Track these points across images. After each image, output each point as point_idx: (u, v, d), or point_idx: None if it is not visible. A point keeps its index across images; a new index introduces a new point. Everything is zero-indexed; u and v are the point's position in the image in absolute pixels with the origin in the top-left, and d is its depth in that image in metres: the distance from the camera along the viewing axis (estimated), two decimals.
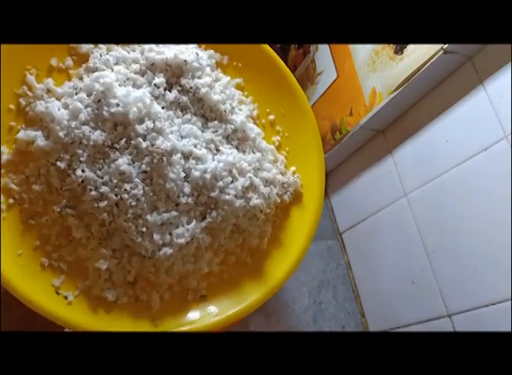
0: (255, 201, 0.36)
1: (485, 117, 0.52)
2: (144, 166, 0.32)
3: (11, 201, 0.31)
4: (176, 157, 0.34)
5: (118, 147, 0.32)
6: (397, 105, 0.61)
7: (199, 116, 0.39)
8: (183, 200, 0.34)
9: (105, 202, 0.30)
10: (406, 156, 0.64)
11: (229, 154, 0.37)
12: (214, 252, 0.35)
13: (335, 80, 0.69)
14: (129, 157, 0.32)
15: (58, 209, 0.31)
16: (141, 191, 0.32)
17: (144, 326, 0.32)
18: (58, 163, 0.31)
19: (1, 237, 0.29)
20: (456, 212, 0.56)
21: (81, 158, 0.31)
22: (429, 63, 0.53)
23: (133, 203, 0.31)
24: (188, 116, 0.38)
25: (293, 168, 0.41)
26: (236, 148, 0.39)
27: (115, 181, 0.31)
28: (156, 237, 0.32)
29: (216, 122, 0.39)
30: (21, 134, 0.32)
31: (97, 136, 0.32)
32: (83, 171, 0.31)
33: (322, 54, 0.72)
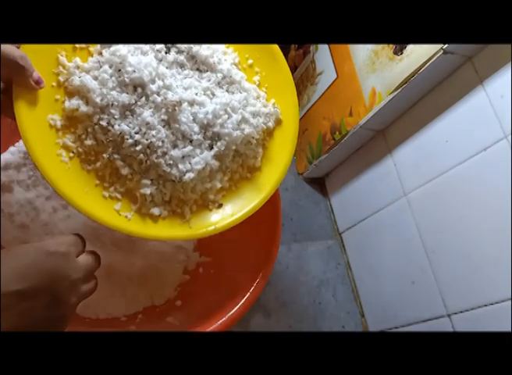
0: (248, 130, 0.47)
1: (485, 117, 0.52)
2: (162, 115, 0.43)
3: (71, 155, 0.41)
4: (184, 105, 0.44)
5: (140, 104, 0.42)
6: (397, 105, 0.61)
7: (195, 70, 0.48)
8: (195, 137, 0.44)
9: (140, 146, 0.41)
10: (405, 156, 0.64)
11: (222, 97, 0.47)
12: (223, 173, 0.47)
13: (335, 80, 0.69)
14: (150, 110, 0.42)
15: (107, 156, 0.42)
16: (164, 135, 0.42)
17: (182, 230, 0.43)
18: (100, 122, 0.41)
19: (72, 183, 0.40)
20: (456, 212, 0.56)
21: (115, 116, 0.42)
22: (429, 63, 0.53)
23: (160, 144, 0.42)
24: (186, 71, 0.47)
25: (272, 100, 0.51)
26: (227, 91, 0.48)
27: (144, 130, 0.42)
28: (181, 166, 0.43)
29: (209, 72, 0.48)
30: (67, 104, 0.41)
31: (124, 97, 0.42)
32: (119, 125, 0.41)
33: (322, 54, 0.72)
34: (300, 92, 0.79)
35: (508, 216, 0.49)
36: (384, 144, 0.68)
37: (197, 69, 0.48)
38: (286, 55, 0.82)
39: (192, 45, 0.48)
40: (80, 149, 0.41)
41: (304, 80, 0.78)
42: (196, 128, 0.44)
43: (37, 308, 0.30)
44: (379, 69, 0.60)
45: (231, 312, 0.46)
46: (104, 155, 0.42)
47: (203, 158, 0.44)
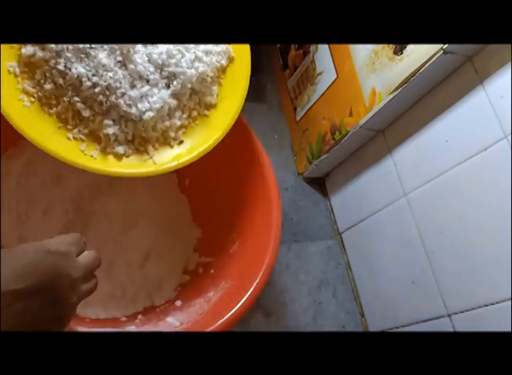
0: (202, 68, 0.48)
1: (485, 117, 0.52)
2: (117, 57, 0.44)
3: (32, 99, 0.42)
4: (138, 47, 0.45)
5: (94, 46, 0.43)
6: (397, 105, 0.61)
7: None
8: (151, 77, 0.46)
9: (98, 88, 0.43)
10: (405, 156, 0.64)
11: None
12: (181, 110, 0.49)
13: (334, 81, 0.69)
14: (105, 52, 0.43)
15: (68, 99, 0.43)
16: (121, 76, 0.43)
17: (147, 166, 0.45)
18: (57, 66, 0.42)
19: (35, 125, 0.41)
20: (456, 212, 0.56)
21: (72, 60, 0.42)
22: (429, 63, 0.53)
23: (118, 85, 0.43)
24: None
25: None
26: None
27: (101, 72, 0.43)
28: (140, 105, 0.44)
29: None
30: (23, 51, 0.42)
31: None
32: (76, 69, 0.42)
33: (322, 54, 0.72)
34: (300, 92, 0.79)
35: (508, 216, 0.49)
36: (384, 144, 0.68)
37: None
38: (286, 55, 0.82)
39: None
40: (41, 94, 0.43)
41: (304, 80, 0.78)
42: (151, 68, 0.45)
43: (36, 308, 0.29)
44: (379, 69, 0.60)
45: (231, 312, 0.46)
46: (65, 99, 0.43)
47: (160, 97, 0.46)
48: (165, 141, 0.47)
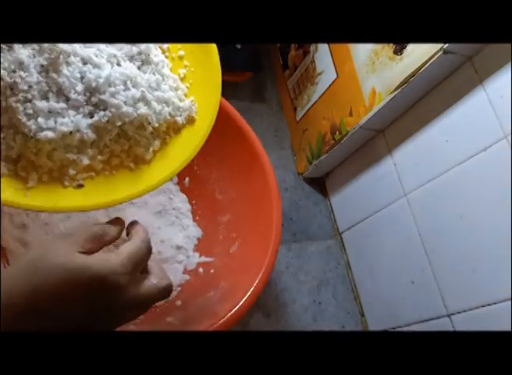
0: (143, 111, 0.40)
1: (485, 117, 0.52)
2: (42, 60, 0.36)
3: None
4: (75, 59, 0.38)
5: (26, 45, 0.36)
6: (397, 105, 0.61)
7: None
8: (74, 96, 0.37)
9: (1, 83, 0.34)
10: (405, 156, 0.64)
11: (128, 69, 0.40)
12: (99, 151, 0.39)
13: (334, 81, 0.69)
14: (31, 51, 0.36)
15: None
16: (35, 80, 0.36)
17: (13, 196, 0.34)
18: None
19: None
20: (455, 212, 0.56)
21: None
22: (429, 63, 0.53)
23: (25, 88, 0.35)
24: None
25: (192, 97, 0.46)
26: (138, 68, 0.43)
27: (13, 67, 0.35)
28: (40, 120, 0.36)
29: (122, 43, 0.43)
30: None
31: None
32: None
33: (322, 54, 0.72)
34: (300, 92, 0.79)
35: (508, 216, 0.49)
36: (384, 144, 0.68)
37: None
38: (286, 55, 0.82)
39: None
40: None
41: (303, 80, 0.78)
42: (79, 87, 0.37)
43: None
44: (379, 69, 0.60)
45: (231, 312, 0.46)
46: None
47: (74, 121, 0.37)
48: (60, 176, 0.37)
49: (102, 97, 0.38)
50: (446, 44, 0.51)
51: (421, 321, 0.61)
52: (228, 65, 0.74)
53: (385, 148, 0.68)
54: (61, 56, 0.37)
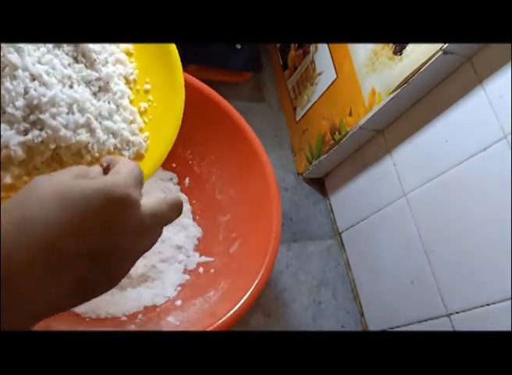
0: (82, 137, 0.37)
1: (484, 117, 0.52)
2: None
3: None
4: (22, 74, 0.35)
5: None
6: (396, 105, 0.61)
7: (69, 56, 0.40)
8: (10, 110, 0.35)
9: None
10: (405, 156, 0.64)
11: (79, 92, 0.38)
12: (27, 171, 0.36)
13: (334, 81, 0.70)
14: None
15: None
16: None
17: None
18: None
19: None
20: (455, 211, 0.56)
21: None
22: (428, 64, 0.53)
23: None
24: (58, 51, 0.39)
25: (146, 133, 0.44)
26: (94, 94, 0.40)
27: None
28: None
29: (83, 66, 0.40)
30: None
31: None
32: None
33: (322, 54, 0.72)
34: (299, 92, 0.79)
35: (508, 216, 0.49)
36: (383, 144, 0.68)
37: (74, 58, 0.41)
38: (286, 55, 0.82)
39: None
40: None
41: (303, 80, 0.78)
42: (20, 103, 0.35)
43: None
44: (379, 70, 0.60)
45: (231, 312, 0.46)
46: None
47: (5, 136, 0.35)
48: None
49: (41, 116, 0.36)
50: (446, 45, 0.51)
51: (420, 321, 0.61)
52: (228, 65, 0.74)
53: (385, 148, 0.68)
54: (7, 68, 0.35)
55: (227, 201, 0.62)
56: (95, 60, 0.41)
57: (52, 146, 0.36)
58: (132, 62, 0.46)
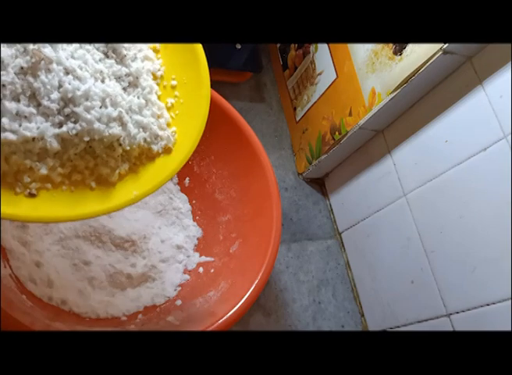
0: (115, 130, 0.38)
1: (485, 117, 0.52)
2: (23, 62, 0.35)
3: None
4: (57, 68, 0.36)
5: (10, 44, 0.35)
6: (396, 105, 0.61)
7: (100, 51, 0.41)
8: (46, 103, 0.36)
9: None
10: (405, 156, 0.64)
11: (111, 87, 0.39)
12: (61, 163, 0.37)
13: (334, 81, 0.70)
14: (13, 51, 0.35)
15: None
16: (9, 80, 0.34)
17: None
18: None
19: None
20: (455, 212, 0.56)
21: None
22: (428, 64, 0.53)
23: None
24: (89, 46, 0.40)
25: (174, 128, 0.45)
26: (124, 89, 0.42)
27: None
28: (4, 120, 0.34)
29: (113, 61, 0.42)
30: None
31: None
32: None
33: (322, 54, 0.72)
34: (299, 92, 0.79)
35: (508, 216, 0.49)
36: (384, 144, 0.68)
37: (104, 53, 0.42)
38: (286, 55, 0.82)
39: None
40: None
41: (303, 80, 0.78)
42: (55, 96, 0.36)
43: None
44: (379, 70, 0.60)
45: (231, 312, 0.46)
46: None
47: (41, 128, 0.35)
48: (13, 182, 0.35)
49: (76, 109, 0.37)
50: (446, 44, 0.51)
51: (420, 321, 0.61)
52: (228, 65, 0.74)
53: (385, 148, 0.68)
54: (42, 62, 0.36)
55: (227, 201, 0.62)
56: (125, 56, 0.42)
57: (86, 138, 0.37)
58: (159, 59, 0.47)
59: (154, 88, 0.45)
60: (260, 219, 0.57)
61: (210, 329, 0.45)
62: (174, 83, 0.47)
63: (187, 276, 0.59)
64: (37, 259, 0.50)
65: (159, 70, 0.46)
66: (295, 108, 0.81)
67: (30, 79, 0.35)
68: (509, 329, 0.48)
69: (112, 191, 0.39)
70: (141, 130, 0.41)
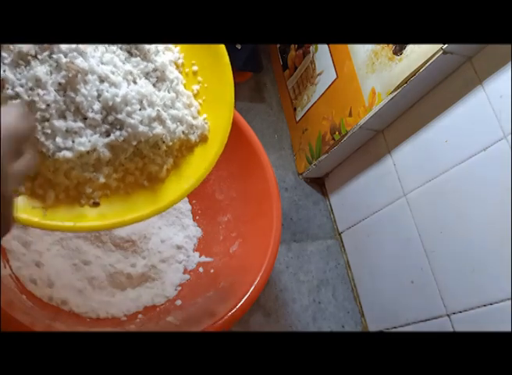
0: (158, 130, 0.40)
1: (485, 117, 0.52)
2: (59, 78, 0.36)
3: None
4: (92, 77, 0.37)
5: (40, 58, 0.36)
6: (396, 105, 0.61)
7: (124, 50, 0.42)
8: (91, 115, 0.37)
9: (18, 101, 0.34)
10: (405, 156, 0.64)
11: (144, 87, 0.40)
12: (114, 169, 0.39)
13: (334, 81, 0.70)
14: (48, 68, 0.36)
15: None
16: (52, 98, 0.35)
17: (31, 213, 0.35)
18: None
19: None
20: (455, 211, 0.56)
21: (5, 61, 0.35)
22: (428, 64, 0.53)
23: (43, 107, 0.35)
24: (113, 47, 0.41)
25: (204, 115, 0.45)
26: (154, 85, 0.43)
27: (30, 85, 0.35)
28: (59, 140, 0.35)
29: (139, 59, 0.42)
30: None
31: (23, 44, 0.35)
32: (4, 71, 0.34)
33: (322, 54, 0.72)
34: (299, 92, 0.79)
35: (508, 216, 0.49)
36: (384, 144, 0.68)
37: (128, 51, 0.42)
38: (286, 55, 0.82)
39: None
40: None
41: (303, 80, 0.78)
42: (97, 106, 0.37)
43: None
44: (379, 70, 0.60)
45: (231, 312, 0.46)
46: None
47: (92, 140, 0.37)
48: (77, 194, 0.38)
49: (119, 116, 0.38)
50: (446, 45, 0.51)
51: (420, 321, 0.61)
52: None
53: (385, 148, 0.68)
54: (79, 74, 0.36)
55: (227, 201, 0.62)
56: (148, 51, 0.43)
57: (134, 142, 0.39)
58: (176, 47, 0.47)
59: (180, 78, 0.45)
60: (260, 219, 0.57)
61: (210, 329, 0.45)
62: (195, 68, 0.47)
63: (187, 276, 0.59)
64: (38, 259, 0.50)
65: (179, 58, 0.46)
66: (295, 109, 0.81)
67: (72, 94, 0.36)
68: (509, 329, 0.48)
69: (162, 190, 0.41)
70: (178, 123, 0.42)
